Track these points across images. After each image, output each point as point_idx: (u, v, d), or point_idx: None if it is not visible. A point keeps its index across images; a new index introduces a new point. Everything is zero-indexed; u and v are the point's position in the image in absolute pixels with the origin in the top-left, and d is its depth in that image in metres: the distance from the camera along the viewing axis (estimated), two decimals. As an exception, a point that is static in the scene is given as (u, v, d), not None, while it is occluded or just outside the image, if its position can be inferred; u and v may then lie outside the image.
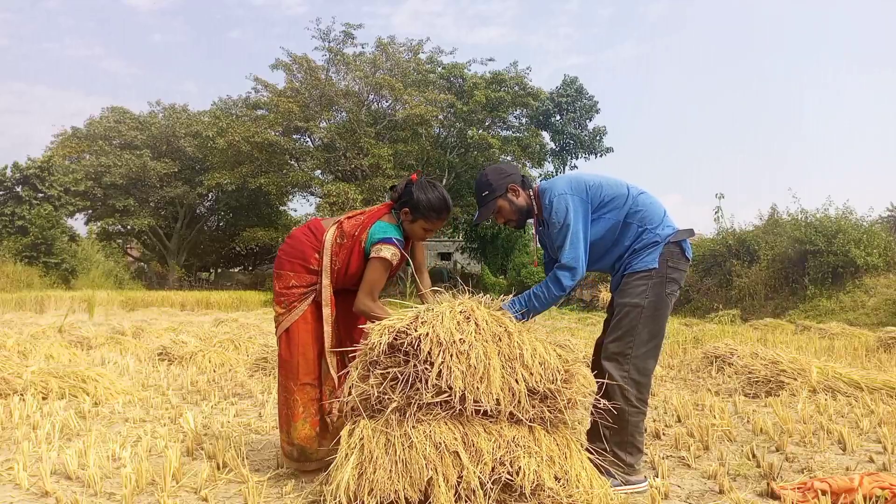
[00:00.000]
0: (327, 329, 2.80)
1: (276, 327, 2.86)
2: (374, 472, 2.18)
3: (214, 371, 5.98)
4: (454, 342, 2.28)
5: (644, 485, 2.69)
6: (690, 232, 2.84)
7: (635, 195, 2.83)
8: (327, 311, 2.80)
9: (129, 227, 33.41)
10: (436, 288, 2.74)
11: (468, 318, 2.41)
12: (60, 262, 24.63)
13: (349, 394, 2.38)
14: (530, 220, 2.98)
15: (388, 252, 2.69)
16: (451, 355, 2.26)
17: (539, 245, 3.04)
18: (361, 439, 2.28)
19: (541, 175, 29.61)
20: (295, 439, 2.77)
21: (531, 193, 2.87)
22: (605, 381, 2.66)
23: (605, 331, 2.94)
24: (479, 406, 2.25)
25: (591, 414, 2.74)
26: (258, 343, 7.40)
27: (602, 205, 2.79)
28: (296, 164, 27.77)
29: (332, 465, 2.30)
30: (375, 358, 2.37)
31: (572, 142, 29.56)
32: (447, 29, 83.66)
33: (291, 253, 2.86)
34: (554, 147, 29.71)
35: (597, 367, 2.78)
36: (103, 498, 2.58)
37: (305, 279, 2.82)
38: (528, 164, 29.00)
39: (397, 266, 2.80)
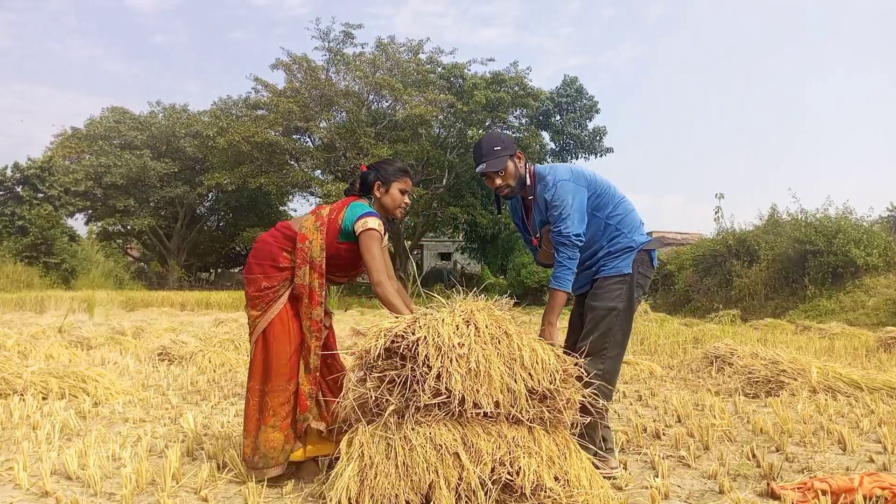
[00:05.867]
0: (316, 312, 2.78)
1: (252, 331, 2.84)
2: (375, 478, 2.18)
3: (214, 371, 5.98)
4: (452, 346, 2.28)
5: (617, 469, 2.82)
6: (661, 243, 3.02)
7: (619, 199, 2.97)
8: (313, 308, 2.78)
9: (129, 227, 33.40)
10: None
11: (468, 321, 2.41)
12: (60, 262, 24.62)
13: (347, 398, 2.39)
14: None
15: (375, 222, 2.77)
16: (451, 359, 2.26)
17: (530, 226, 3.10)
18: (361, 445, 2.27)
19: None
20: (261, 444, 2.71)
21: (528, 170, 2.98)
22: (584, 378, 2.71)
23: (572, 331, 3.06)
24: (479, 409, 2.25)
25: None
26: (258, 343, 7.38)
27: (596, 196, 2.92)
28: (296, 164, 27.75)
29: (333, 473, 2.30)
30: (372, 362, 2.37)
31: (572, 142, 29.53)
32: (448, 29, 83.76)
33: (260, 256, 2.87)
34: (554, 147, 29.68)
35: None
36: (103, 498, 2.58)
37: (277, 278, 2.82)
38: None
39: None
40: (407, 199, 2.99)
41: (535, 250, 3.15)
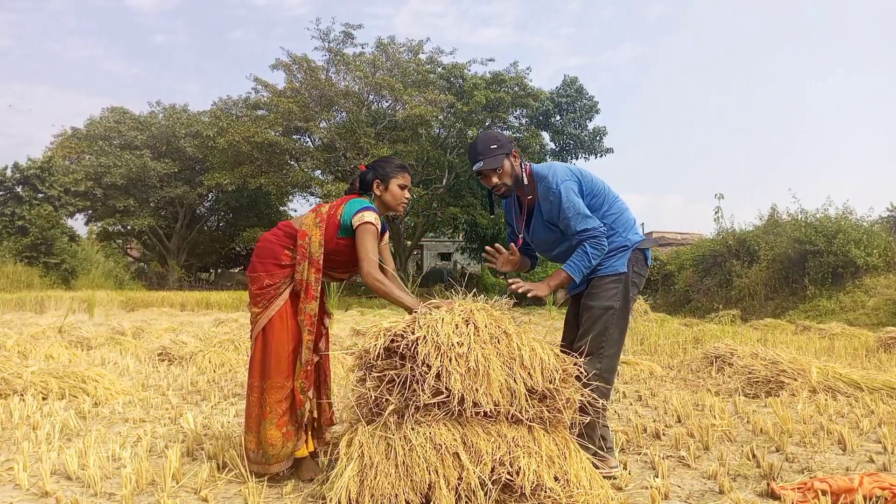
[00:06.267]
0: (311, 308, 2.80)
1: (253, 328, 2.88)
2: (375, 478, 2.17)
3: (214, 371, 5.98)
4: (452, 345, 2.28)
5: (616, 469, 2.83)
6: (655, 241, 3.02)
7: (613, 198, 3.00)
8: (310, 304, 2.81)
9: (129, 227, 33.40)
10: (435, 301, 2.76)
11: (467, 321, 2.41)
12: (60, 262, 24.62)
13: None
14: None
15: (372, 216, 2.80)
16: (450, 359, 2.26)
17: (522, 225, 3.10)
18: (361, 445, 2.27)
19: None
20: (263, 440, 2.75)
21: (524, 169, 2.98)
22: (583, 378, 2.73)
23: (568, 330, 3.08)
24: (479, 408, 2.25)
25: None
26: (258, 343, 7.37)
27: (591, 196, 2.94)
28: (296, 165, 27.75)
29: (333, 474, 2.30)
30: (372, 362, 2.37)
31: (572, 142, 29.53)
32: (449, 30, 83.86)
33: (262, 254, 2.91)
34: (554, 147, 29.68)
35: None
36: (103, 498, 2.58)
37: (278, 275, 2.86)
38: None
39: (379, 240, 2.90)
40: (407, 195, 3.01)
41: (521, 249, 3.16)
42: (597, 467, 2.62)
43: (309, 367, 2.82)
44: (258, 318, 2.85)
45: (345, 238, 2.85)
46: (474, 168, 2.94)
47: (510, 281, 2.78)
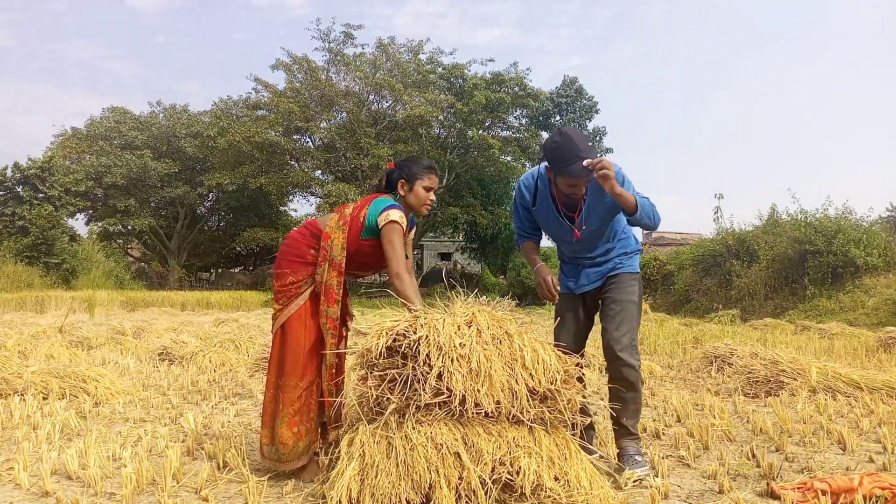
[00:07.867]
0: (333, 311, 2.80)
1: (273, 324, 2.92)
2: (376, 477, 2.18)
3: (215, 371, 5.98)
4: (454, 346, 2.29)
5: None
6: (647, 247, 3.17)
7: None
8: (331, 308, 2.81)
9: (129, 227, 33.37)
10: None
11: (469, 322, 2.41)
12: (61, 262, 24.59)
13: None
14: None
15: (397, 215, 2.79)
16: (452, 359, 2.26)
17: (580, 217, 2.94)
18: (363, 445, 2.27)
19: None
20: (276, 436, 2.78)
21: None
22: (627, 369, 2.85)
23: (562, 331, 3.07)
24: (480, 409, 2.25)
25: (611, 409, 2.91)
26: (259, 343, 7.40)
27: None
28: (296, 165, 27.77)
29: (333, 473, 2.30)
30: (374, 360, 2.38)
31: (572, 142, 29.50)
32: (449, 30, 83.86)
33: (288, 252, 2.94)
34: (554, 147, 29.68)
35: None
36: (103, 498, 2.58)
37: (302, 273, 2.88)
38: (528, 165, 28.99)
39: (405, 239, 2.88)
40: (432, 196, 2.99)
41: (531, 236, 3.15)
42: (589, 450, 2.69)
43: (334, 370, 2.84)
44: (278, 316, 2.88)
45: (369, 239, 2.85)
46: (587, 165, 2.61)
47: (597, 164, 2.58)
